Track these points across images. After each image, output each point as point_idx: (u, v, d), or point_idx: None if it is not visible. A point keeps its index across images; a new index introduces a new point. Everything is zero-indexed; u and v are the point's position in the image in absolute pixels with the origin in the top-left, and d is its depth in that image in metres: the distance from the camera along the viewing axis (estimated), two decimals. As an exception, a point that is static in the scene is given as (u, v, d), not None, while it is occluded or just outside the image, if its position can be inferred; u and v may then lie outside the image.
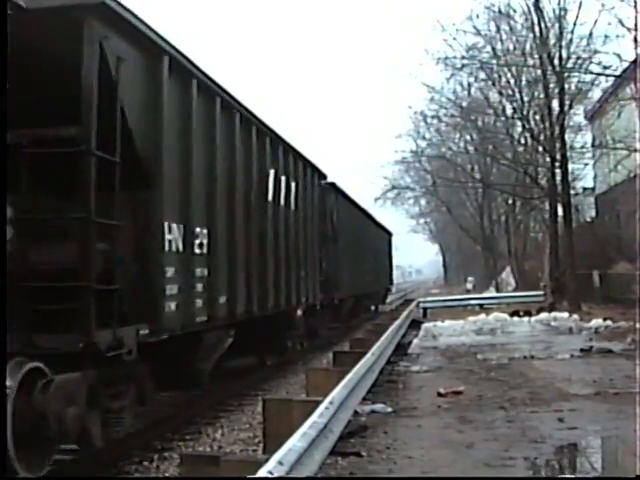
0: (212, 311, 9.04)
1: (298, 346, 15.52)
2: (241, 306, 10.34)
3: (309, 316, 15.82)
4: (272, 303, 12.05)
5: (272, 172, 12.17)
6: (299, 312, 14.69)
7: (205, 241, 8.89)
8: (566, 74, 24.25)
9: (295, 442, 5.23)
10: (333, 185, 20.34)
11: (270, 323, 12.35)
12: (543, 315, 21.49)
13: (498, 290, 37.40)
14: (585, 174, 32.15)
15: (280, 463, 4.63)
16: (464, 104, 30.40)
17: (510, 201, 37.85)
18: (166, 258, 7.76)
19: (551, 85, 24.75)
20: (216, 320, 9.24)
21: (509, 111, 28.28)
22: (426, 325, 20.77)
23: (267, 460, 4.66)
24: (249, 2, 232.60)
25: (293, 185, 13.77)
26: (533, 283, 32.94)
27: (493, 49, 26.32)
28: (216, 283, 9.19)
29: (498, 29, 26.21)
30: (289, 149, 13.63)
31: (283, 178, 12.91)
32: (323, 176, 17.68)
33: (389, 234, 40.47)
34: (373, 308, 33.88)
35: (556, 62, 23.85)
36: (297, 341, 15.35)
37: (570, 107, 25.56)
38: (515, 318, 21.66)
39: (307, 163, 15.36)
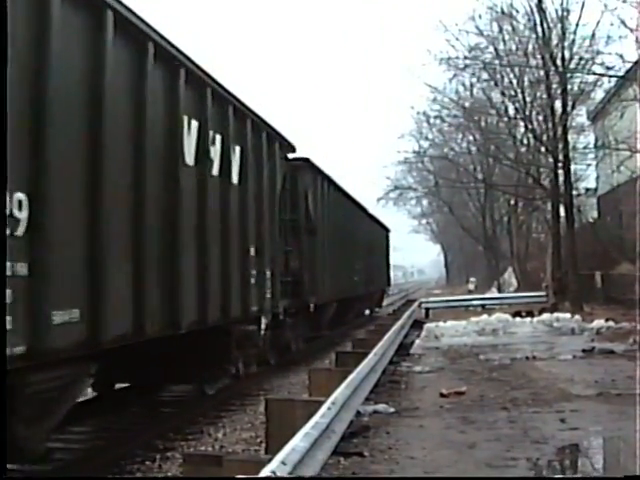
0: (39, 337, 5.38)
1: (254, 368, 12.03)
2: (119, 325, 6.57)
3: (275, 328, 12.80)
4: (193, 317, 8.34)
5: (194, 125, 8.55)
6: (262, 323, 11.77)
7: (22, 214, 5.30)
8: (569, 75, 24.23)
9: (298, 442, 5.24)
10: (307, 161, 16.01)
11: (196, 343, 9.07)
12: (545, 316, 21.48)
13: (500, 291, 37.38)
14: (588, 175, 32.26)
15: (283, 463, 4.64)
16: (467, 104, 30.37)
17: (512, 202, 37.81)
18: None
19: (554, 86, 24.73)
20: (51, 352, 5.55)
21: (512, 112, 28.27)
22: (428, 325, 20.78)
23: (270, 460, 4.67)
24: (255, 3, 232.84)
25: (237, 150, 10.17)
26: (535, 284, 32.90)
27: (495, 49, 26.29)
28: (49, 287, 5.51)
29: (500, 29, 26.20)
30: (226, 98, 9.73)
31: (217, 137, 9.36)
32: (290, 148, 13.62)
33: (386, 230, 37.28)
34: (368, 312, 30.84)
35: (559, 63, 23.84)
36: (253, 361, 11.81)
37: (573, 108, 25.54)
38: (517, 319, 21.67)
39: (261, 124, 11.42)
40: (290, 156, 14.17)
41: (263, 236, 11.40)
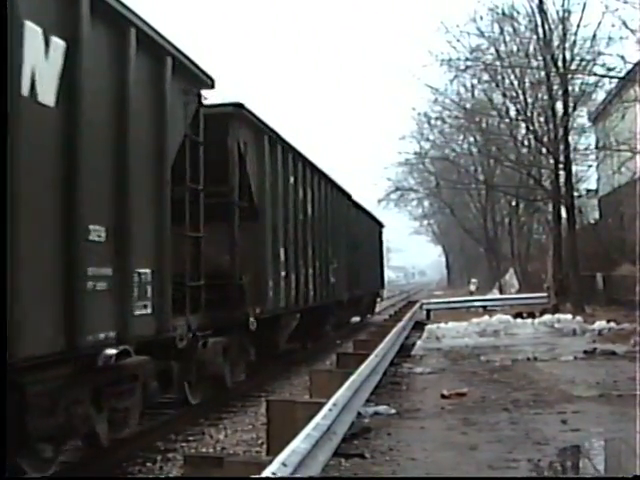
0: None
1: (126, 431, 7.52)
2: None
3: (182, 357, 8.66)
4: None
5: None
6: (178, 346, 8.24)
7: None
8: (570, 76, 24.23)
9: (299, 444, 5.23)
10: (242, 108, 10.88)
11: None
12: (546, 317, 21.46)
13: (501, 292, 37.37)
14: (589, 176, 32.26)
15: (284, 464, 4.64)
16: (468, 106, 30.41)
17: (513, 203, 37.87)
18: None
19: (555, 87, 24.75)
20: None
21: (513, 113, 28.28)
22: (429, 327, 20.76)
23: (271, 461, 4.67)
24: (254, 4, 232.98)
25: (53, 43, 5.76)
26: (536, 285, 32.91)
27: (497, 51, 26.33)
28: None
29: (502, 31, 26.23)
30: None
31: None
32: (202, 79, 9.03)
33: (379, 225, 32.78)
34: (358, 319, 26.57)
35: (560, 64, 23.84)
36: (131, 416, 7.49)
37: (574, 109, 25.56)
38: (518, 320, 21.64)
39: (120, 12, 6.79)
40: (216, 101, 10.16)
41: (130, 211, 6.86)
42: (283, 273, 12.85)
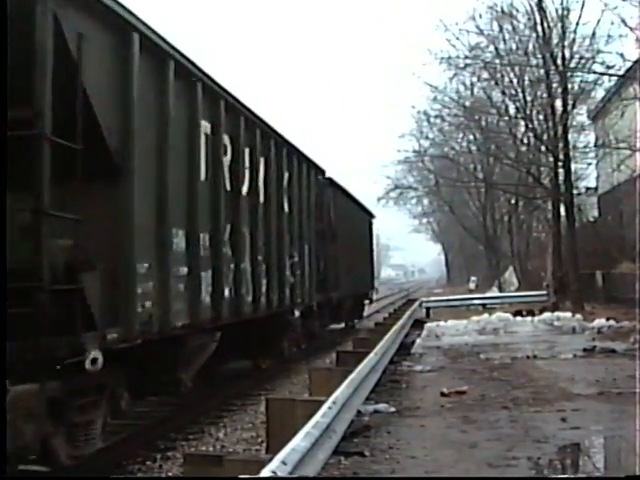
0: None
1: None
2: None
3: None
4: None
5: None
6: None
7: None
8: (569, 74, 24.23)
9: (298, 442, 5.23)
10: None
11: None
12: (546, 315, 21.47)
13: (501, 290, 37.38)
14: (588, 174, 32.26)
15: (283, 463, 4.63)
16: (467, 104, 30.39)
17: (513, 201, 37.86)
18: None
19: (554, 85, 24.74)
20: None
21: (512, 111, 28.30)
22: (429, 325, 20.76)
23: (270, 460, 4.66)
24: (252, 3, 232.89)
25: None
26: (536, 283, 32.92)
27: (496, 49, 26.30)
28: None
29: (501, 29, 26.19)
30: None
31: None
32: None
33: (369, 214, 28.30)
34: (343, 325, 22.50)
35: (559, 62, 23.84)
36: None
37: (573, 107, 25.54)
38: (518, 318, 21.66)
39: None
40: None
41: None
42: (183, 270, 8.24)
